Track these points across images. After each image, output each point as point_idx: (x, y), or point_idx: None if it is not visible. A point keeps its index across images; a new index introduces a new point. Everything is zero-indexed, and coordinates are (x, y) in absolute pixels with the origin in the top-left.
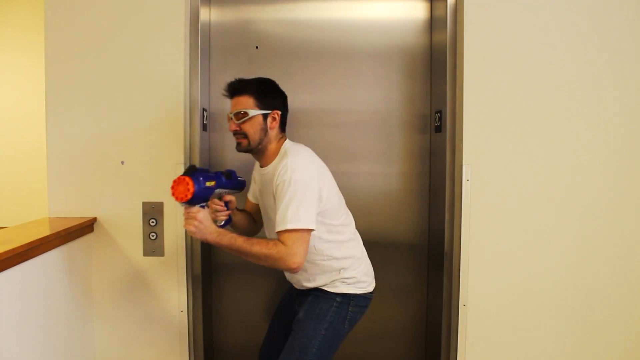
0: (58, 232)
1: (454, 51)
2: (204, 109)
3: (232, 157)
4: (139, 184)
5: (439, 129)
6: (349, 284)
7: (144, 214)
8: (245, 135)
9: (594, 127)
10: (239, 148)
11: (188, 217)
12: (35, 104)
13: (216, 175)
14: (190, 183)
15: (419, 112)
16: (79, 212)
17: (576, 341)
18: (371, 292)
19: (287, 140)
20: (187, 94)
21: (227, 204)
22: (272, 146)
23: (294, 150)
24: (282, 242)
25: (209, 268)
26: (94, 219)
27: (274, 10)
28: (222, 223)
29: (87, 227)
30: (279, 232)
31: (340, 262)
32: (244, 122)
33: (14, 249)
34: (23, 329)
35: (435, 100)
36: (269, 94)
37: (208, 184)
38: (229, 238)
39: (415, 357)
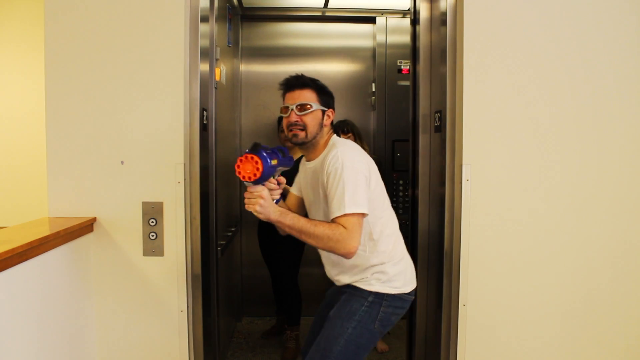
0: (58, 232)
1: (453, 51)
2: (203, 109)
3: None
4: (139, 184)
5: (438, 129)
6: (382, 282)
7: (144, 214)
8: (304, 128)
9: (594, 127)
10: (296, 140)
11: (252, 197)
12: (35, 104)
13: (275, 153)
14: (259, 162)
15: None
16: (79, 212)
17: (576, 341)
18: (408, 293)
19: (334, 136)
20: (187, 94)
21: (278, 183)
22: (322, 141)
23: (341, 142)
24: (342, 226)
25: (208, 268)
26: (94, 219)
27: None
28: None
29: (87, 227)
30: (337, 218)
31: (376, 256)
32: (305, 114)
33: (14, 249)
34: (23, 329)
35: (435, 100)
36: (327, 93)
37: (272, 162)
38: (291, 217)
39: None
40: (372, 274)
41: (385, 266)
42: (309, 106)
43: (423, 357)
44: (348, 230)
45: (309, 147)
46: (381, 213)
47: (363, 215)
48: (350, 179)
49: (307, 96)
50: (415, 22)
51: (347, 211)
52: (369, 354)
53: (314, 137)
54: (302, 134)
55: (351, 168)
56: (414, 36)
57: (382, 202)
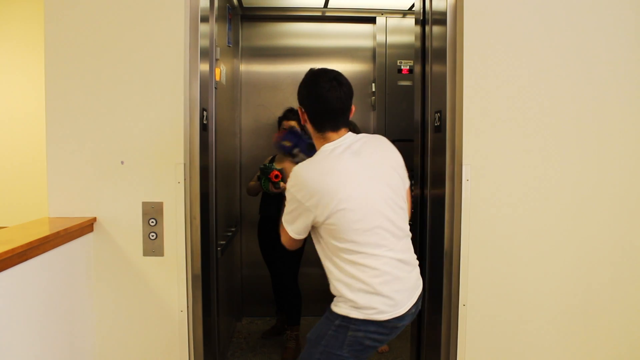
0: (58, 232)
1: (453, 50)
2: (203, 109)
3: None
4: (139, 184)
5: (438, 129)
6: (349, 306)
7: (144, 214)
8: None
9: (594, 126)
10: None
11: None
12: (35, 104)
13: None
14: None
15: None
16: (79, 212)
17: (576, 341)
18: (386, 320)
19: (329, 144)
20: (187, 94)
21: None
22: (317, 144)
23: (314, 156)
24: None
25: (208, 268)
26: (94, 219)
27: None
28: None
29: (87, 227)
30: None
31: (342, 276)
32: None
33: (14, 249)
34: (23, 329)
35: (435, 100)
36: (299, 89)
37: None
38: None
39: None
40: (339, 295)
41: (348, 291)
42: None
43: (423, 357)
44: (282, 233)
45: None
46: (347, 242)
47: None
48: (286, 206)
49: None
50: (424, 22)
51: (282, 221)
52: None
53: (309, 138)
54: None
55: (288, 196)
56: (423, 36)
57: (347, 232)
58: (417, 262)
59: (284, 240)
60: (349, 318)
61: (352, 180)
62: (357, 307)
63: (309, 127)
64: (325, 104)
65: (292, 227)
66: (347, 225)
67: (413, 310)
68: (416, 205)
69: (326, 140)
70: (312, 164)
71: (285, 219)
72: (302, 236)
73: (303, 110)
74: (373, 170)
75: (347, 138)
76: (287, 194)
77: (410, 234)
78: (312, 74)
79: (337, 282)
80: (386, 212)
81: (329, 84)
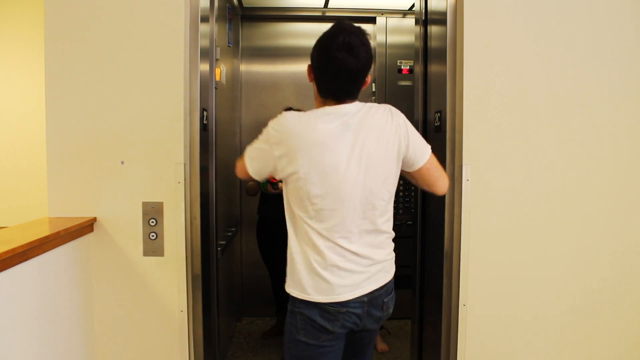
0: (58, 232)
1: (453, 50)
2: (203, 109)
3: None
4: (139, 184)
5: (439, 129)
6: (290, 284)
7: (144, 214)
8: None
9: (595, 126)
10: None
11: None
12: (35, 104)
13: None
14: None
15: None
16: (79, 212)
17: (576, 341)
18: (327, 303)
19: (327, 107)
20: (187, 94)
21: None
22: (316, 104)
23: (308, 112)
24: None
25: (208, 268)
26: (94, 219)
27: None
28: None
29: (87, 227)
30: None
31: (292, 249)
32: None
33: (14, 249)
34: (23, 329)
35: (435, 100)
36: (314, 46)
37: None
38: None
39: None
40: (291, 270)
41: (295, 266)
42: None
43: (423, 357)
44: (238, 163)
45: None
46: (301, 209)
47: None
48: (259, 139)
49: None
50: (424, 22)
51: (246, 151)
52: None
53: None
54: None
55: (265, 132)
56: (423, 36)
57: (297, 196)
58: (389, 257)
59: (238, 166)
60: (293, 298)
61: (331, 155)
62: (295, 285)
63: (313, 85)
64: (333, 72)
65: (250, 163)
66: (306, 197)
67: (365, 299)
68: (416, 205)
69: (324, 103)
70: (301, 117)
71: (248, 151)
72: (256, 177)
73: (311, 69)
74: (359, 154)
75: (347, 107)
76: (264, 130)
77: (387, 232)
78: (328, 35)
79: (289, 255)
80: (354, 203)
81: (341, 52)
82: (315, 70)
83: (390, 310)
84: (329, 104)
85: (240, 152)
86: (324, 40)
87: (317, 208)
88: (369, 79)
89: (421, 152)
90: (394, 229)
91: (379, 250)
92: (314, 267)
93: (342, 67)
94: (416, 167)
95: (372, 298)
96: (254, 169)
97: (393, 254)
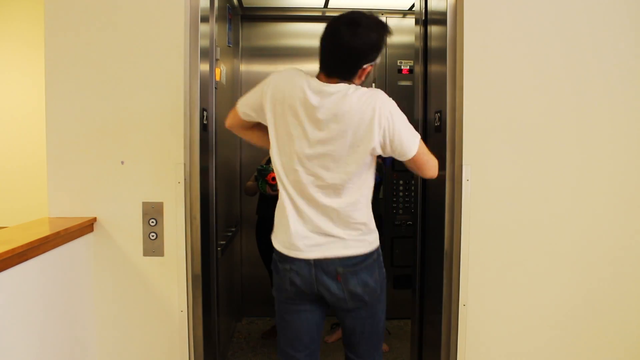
0: (58, 232)
1: (453, 50)
2: (203, 109)
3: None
4: (139, 184)
5: (439, 129)
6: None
7: (144, 214)
8: None
9: (595, 126)
10: None
11: None
12: (35, 104)
13: None
14: None
15: None
16: (79, 212)
17: (576, 341)
18: (283, 253)
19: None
20: (187, 94)
21: None
22: None
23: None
24: None
25: (208, 268)
26: (94, 219)
27: None
28: None
29: (87, 227)
30: None
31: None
32: None
33: (14, 249)
34: (23, 329)
35: (435, 100)
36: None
37: None
38: None
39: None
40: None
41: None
42: None
43: (423, 358)
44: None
45: None
46: (274, 156)
47: (237, 112)
48: (255, 88)
49: None
50: (424, 22)
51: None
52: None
53: None
54: None
55: (262, 81)
56: (423, 36)
57: (275, 144)
58: (352, 237)
59: (228, 116)
60: (276, 251)
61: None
62: (274, 235)
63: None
64: (329, 43)
65: (241, 101)
66: (274, 151)
67: (311, 262)
68: (416, 206)
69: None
70: (295, 76)
71: (242, 98)
72: (242, 114)
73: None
74: (316, 140)
75: (328, 87)
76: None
77: (361, 196)
78: (339, 18)
79: None
80: (299, 169)
81: (343, 27)
82: (320, 43)
83: (356, 289)
84: (320, 78)
85: (240, 152)
86: (337, 16)
87: (285, 166)
88: (369, 68)
89: (409, 145)
90: (394, 229)
91: (334, 226)
92: (284, 218)
93: (338, 40)
94: (406, 158)
95: (320, 264)
96: (242, 104)
97: (361, 235)
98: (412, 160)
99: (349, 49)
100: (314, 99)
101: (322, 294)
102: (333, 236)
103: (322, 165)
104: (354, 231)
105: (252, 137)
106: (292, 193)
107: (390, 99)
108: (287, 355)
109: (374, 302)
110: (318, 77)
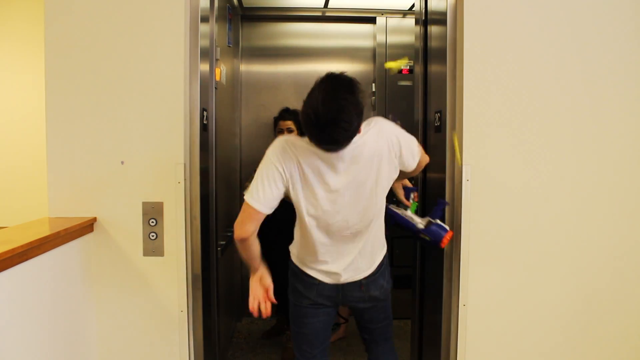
0: (58, 232)
1: (453, 50)
2: (203, 109)
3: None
4: (139, 184)
5: (439, 129)
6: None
7: (144, 214)
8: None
9: (596, 126)
10: None
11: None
12: (35, 104)
13: None
14: None
15: None
16: (79, 212)
17: (576, 341)
18: (304, 273)
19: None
20: (187, 94)
21: None
22: None
23: (287, 138)
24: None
25: (208, 268)
26: (94, 219)
27: None
28: None
29: (87, 227)
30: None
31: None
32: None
33: (14, 249)
34: (23, 329)
35: (435, 100)
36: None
37: None
38: None
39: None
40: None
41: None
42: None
43: (423, 357)
44: (239, 215)
45: None
46: (299, 215)
47: (255, 209)
48: (260, 170)
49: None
50: (424, 22)
51: (245, 198)
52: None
53: None
54: None
55: (266, 161)
56: (423, 36)
57: (302, 208)
58: (383, 249)
59: (238, 231)
60: (291, 262)
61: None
62: (298, 256)
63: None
64: (319, 142)
65: (254, 200)
66: (301, 205)
67: (351, 283)
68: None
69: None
70: (296, 143)
71: (251, 191)
72: (264, 208)
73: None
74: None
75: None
76: (262, 163)
77: (381, 229)
78: (314, 86)
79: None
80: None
81: (324, 132)
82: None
83: (375, 293)
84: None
85: (240, 152)
86: (311, 104)
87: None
88: (361, 129)
89: (412, 153)
90: (394, 229)
91: (361, 259)
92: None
93: (326, 141)
94: (413, 166)
95: (348, 283)
96: (260, 202)
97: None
98: (417, 165)
99: (337, 142)
100: (330, 160)
101: (345, 300)
102: (360, 268)
103: (349, 210)
104: (378, 257)
105: (256, 248)
106: (319, 235)
107: (387, 121)
108: (305, 353)
109: (387, 297)
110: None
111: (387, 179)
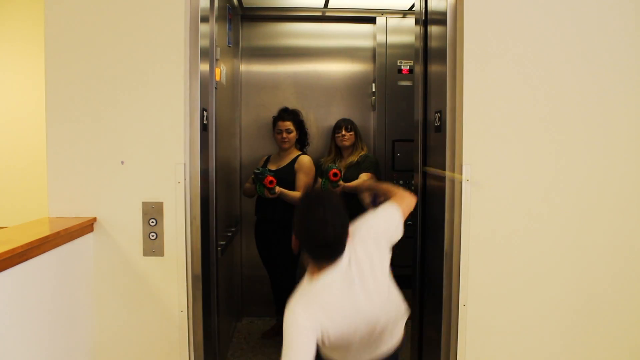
0: (58, 232)
1: (453, 50)
2: (203, 109)
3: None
4: (139, 184)
5: (439, 129)
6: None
7: (144, 214)
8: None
9: (596, 127)
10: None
11: None
12: (35, 104)
13: None
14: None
15: None
16: (79, 212)
17: (576, 342)
18: None
19: (323, 277)
20: (187, 94)
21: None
22: (309, 269)
23: (300, 292)
24: None
25: (208, 268)
26: (94, 219)
27: None
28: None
29: (87, 227)
30: None
31: None
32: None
33: (14, 249)
34: (23, 329)
35: (435, 100)
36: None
37: None
38: None
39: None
40: None
41: None
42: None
43: (423, 358)
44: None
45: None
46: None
47: None
48: (290, 344)
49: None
50: (424, 22)
51: None
52: None
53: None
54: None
55: (294, 336)
56: (423, 36)
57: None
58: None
59: None
60: None
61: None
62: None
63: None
64: (317, 242)
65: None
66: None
67: None
68: (416, 205)
69: (320, 270)
70: (306, 293)
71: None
72: None
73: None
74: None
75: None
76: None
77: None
78: (303, 211)
79: None
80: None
81: (319, 224)
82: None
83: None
84: (324, 268)
85: (240, 152)
86: (303, 216)
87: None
88: (349, 234)
89: (393, 232)
90: None
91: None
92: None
93: (324, 234)
94: (399, 234)
95: None
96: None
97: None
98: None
99: (338, 242)
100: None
101: None
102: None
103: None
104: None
105: None
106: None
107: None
108: None
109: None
110: (322, 268)
111: (380, 260)
